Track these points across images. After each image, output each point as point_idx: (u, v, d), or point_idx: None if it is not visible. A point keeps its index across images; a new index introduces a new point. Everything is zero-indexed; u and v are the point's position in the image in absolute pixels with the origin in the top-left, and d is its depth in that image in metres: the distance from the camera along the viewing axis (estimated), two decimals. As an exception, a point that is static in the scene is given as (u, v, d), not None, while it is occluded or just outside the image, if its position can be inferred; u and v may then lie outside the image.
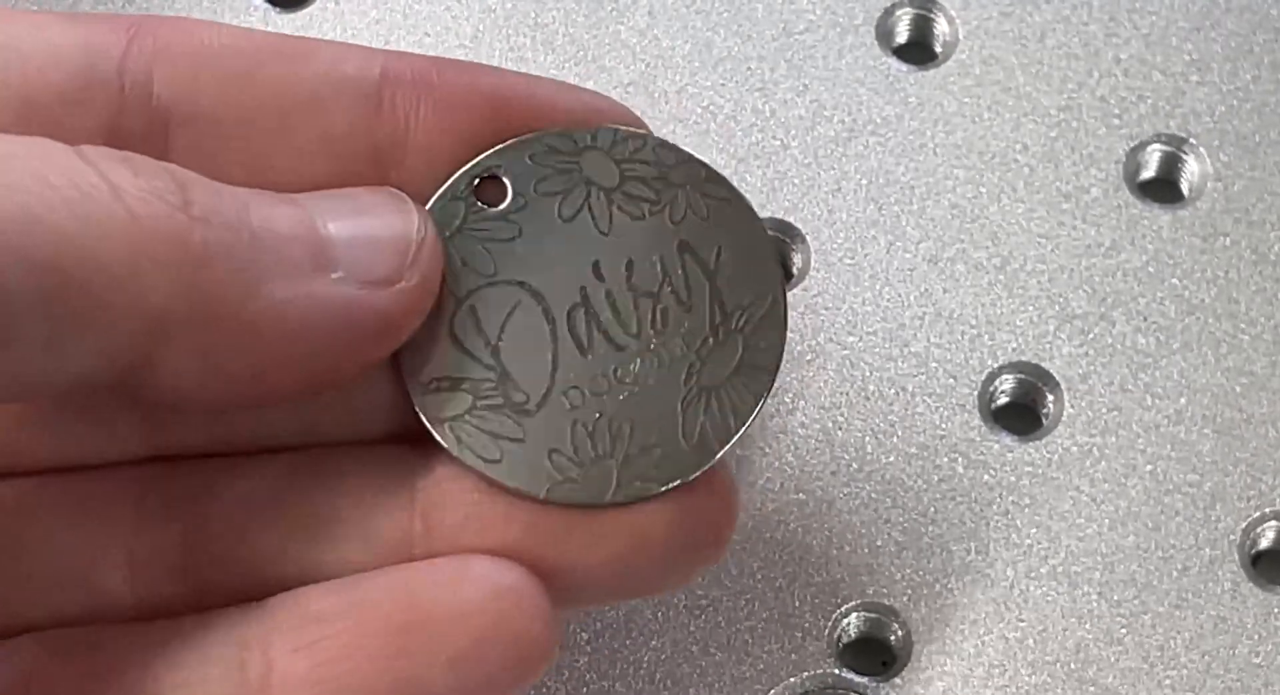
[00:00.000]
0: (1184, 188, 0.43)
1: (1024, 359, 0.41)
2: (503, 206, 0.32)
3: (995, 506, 0.39)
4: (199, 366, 0.28)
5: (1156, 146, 0.43)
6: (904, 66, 0.44)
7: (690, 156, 0.32)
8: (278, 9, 0.44)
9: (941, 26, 0.44)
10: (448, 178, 0.32)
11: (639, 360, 0.31)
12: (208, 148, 0.30)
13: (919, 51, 0.45)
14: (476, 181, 0.32)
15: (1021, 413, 0.41)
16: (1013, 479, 0.40)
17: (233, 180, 0.30)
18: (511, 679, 0.30)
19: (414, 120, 0.31)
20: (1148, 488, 0.39)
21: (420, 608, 0.29)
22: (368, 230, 0.30)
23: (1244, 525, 0.39)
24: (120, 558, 0.31)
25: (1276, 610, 0.38)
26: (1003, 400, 0.41)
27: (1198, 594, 0.38)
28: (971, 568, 0.39)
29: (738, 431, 0.31)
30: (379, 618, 0.29)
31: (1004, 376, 0.41)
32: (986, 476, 0.40)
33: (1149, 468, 0.40)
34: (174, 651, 0.29)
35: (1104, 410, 0.40)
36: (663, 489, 0.31)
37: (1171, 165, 0.43)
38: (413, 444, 0.31)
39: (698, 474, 0.31)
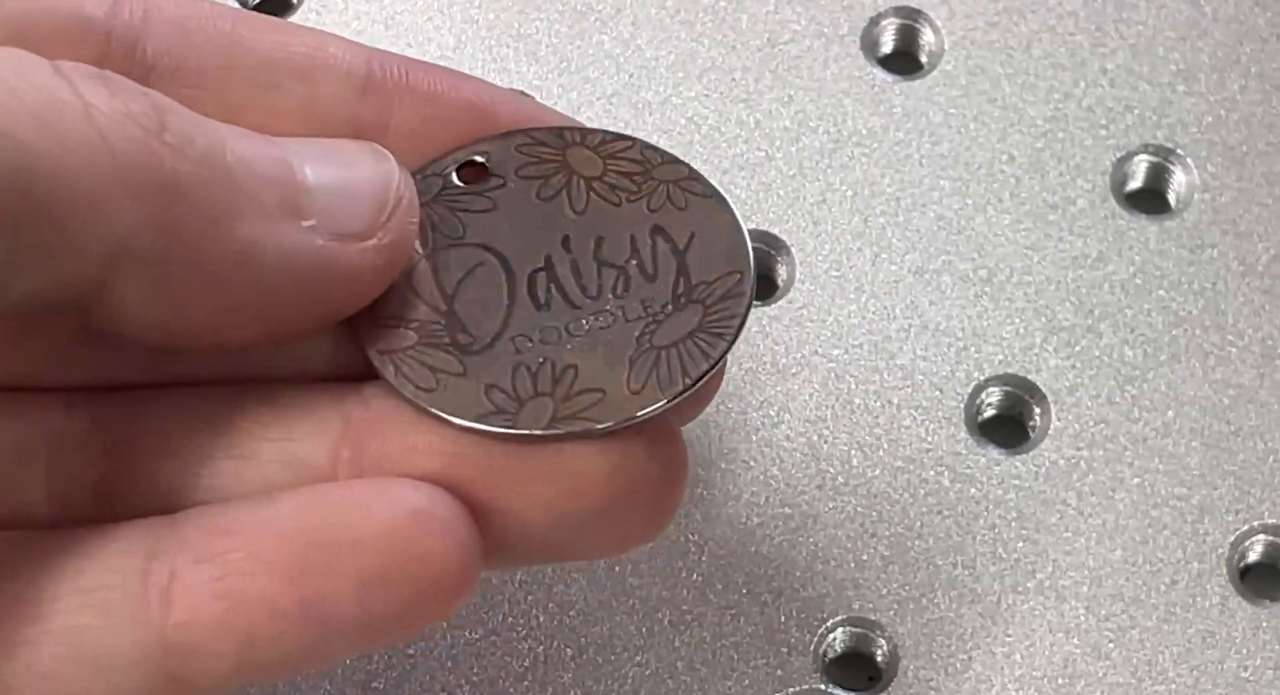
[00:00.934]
0: (1171, 199, 0.43)
1: (1010, 371, 0.40)
2: (480, 184, 0.32)
3: (982, 520, 0.39)
4: (155, 301, 0.28)
5: (1143, 157, 0.43)
6: (889, 77, 0.44)
7: (676, 158, 0.32)
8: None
9: (927, 36, 0.44)
10: (428, 160, 0.32)
11: (594, 317, 0.31)
12: (188, 99, 0.29)
13: (905, 61, 0.44)
14: (459, 166, 0.32)
15: (1008, 425, 0.41)
16: (999, 492, 0.39)
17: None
18: (424, 604, 0.28)
19: (397, 106, 0.31)
20: (1135, 501, 0.39)
21: (330, 526, 0.28)
22: (346, 181, 0.30)
23: (1232, 538, 0.39)
24: (40, 469, 0.30)
25: (1265, 624, 0.38)
26: (989, 413, 0.41)
27: (1186, 608, 0.38)
28: (958, 582, 0.38)
29: (686, 387, 0.30)
30: (287, 533, 0.28)
31: (990, 389, 0.40)
32: (973, 490, 0.39)
33: (1136, 481, 0.39)
34: (76, 558, 0.28)
35: (1091, 423, 0.40)
36: (599, 427, 0.30)
37: (1158, 176, 0.43)
38: (353, 381, 0.31)
39: (638, 416, 0.30)
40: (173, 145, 0.27)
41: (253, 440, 0.30)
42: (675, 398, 0.30)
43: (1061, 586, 0.38)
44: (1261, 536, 0.39)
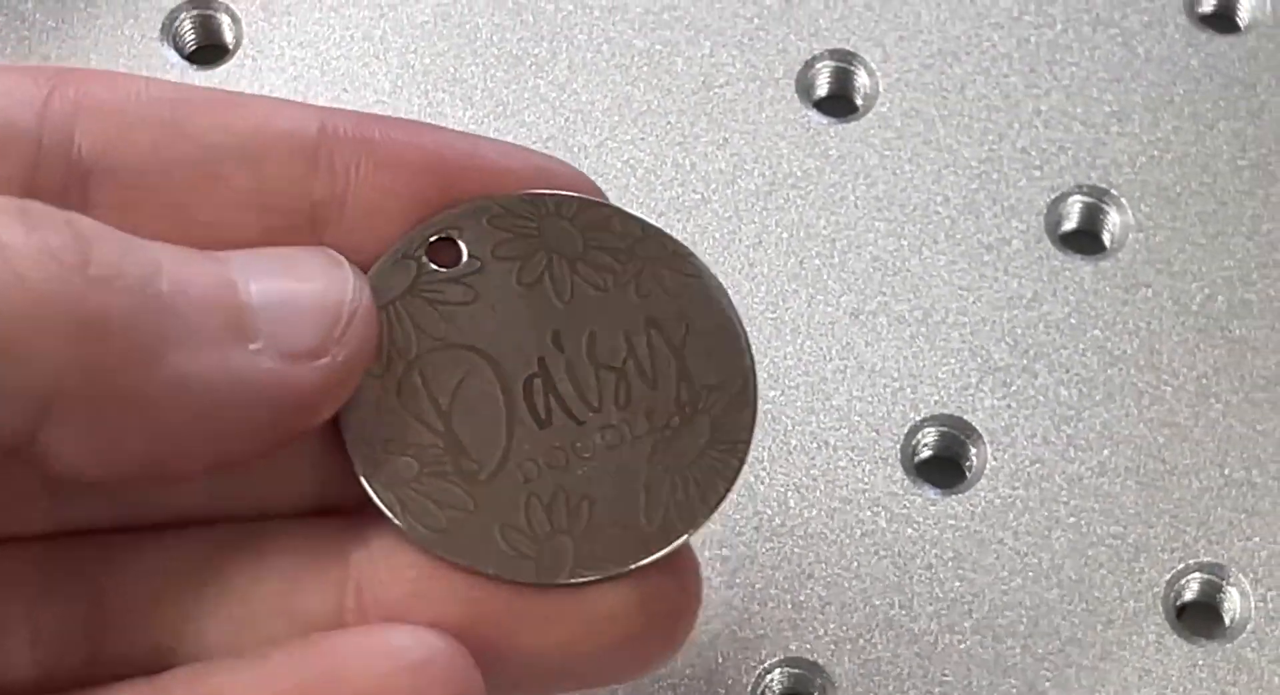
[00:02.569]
0: (1105, 239, 0.43)
1: (946, 411, 0.40)
2: (457, 269, 0.30)
3: (919, 560, 0.39)
4: (91, 443, 0.26)
5: (1077, 198, 0.43)
6: (824, 119, 0.44)
7: (658, 231, 0.31)
8: (194, 66, 0.44)
9: (862, 79, 0.44)
10: (390, 239, 0.30)
11: (600, 435, 0.29)
12: (130, 201, 0.28)
13: (839, 104, 0.44)
14: (431, 241, 0.30)
15: (944, 466, 0.41)
16: (936, 532, 0.39)
17: (155, 236, 0.28)
18: None
19: (354, 177, 0.29)
20: (1071, 540, 0.39)
21: (327, 684, 0.27)
22: (294, 295, 0.28)
23: (1168, 577, 0.39)
24: (24, 632, 0.28)
25: (1201, 662, 0.38)
26: (925, 453, 0.41)
27: (1122, 646, 0.38)
28: (895, 622, 0.38)
29: (703, 516, 0.29)
30: None
31: (926, 429, 0.40)
32: (910, 530, 0.39)
33: (1072, 520, 0.39)
34: None
35: (1027, 462, 0.40)
36: (621, 571, 0.29)
37: (1093, 216, 0.43)
38: (347, 516, 0.29)
39: (659, 557, 0.29)
40: (98, 278, 0.26)
41: (248, 593, 0.29)
42: (693, 529, 0.29)
43: (998, 625, 0.38)
44: (1197, 575, 0.39)
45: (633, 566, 0.29)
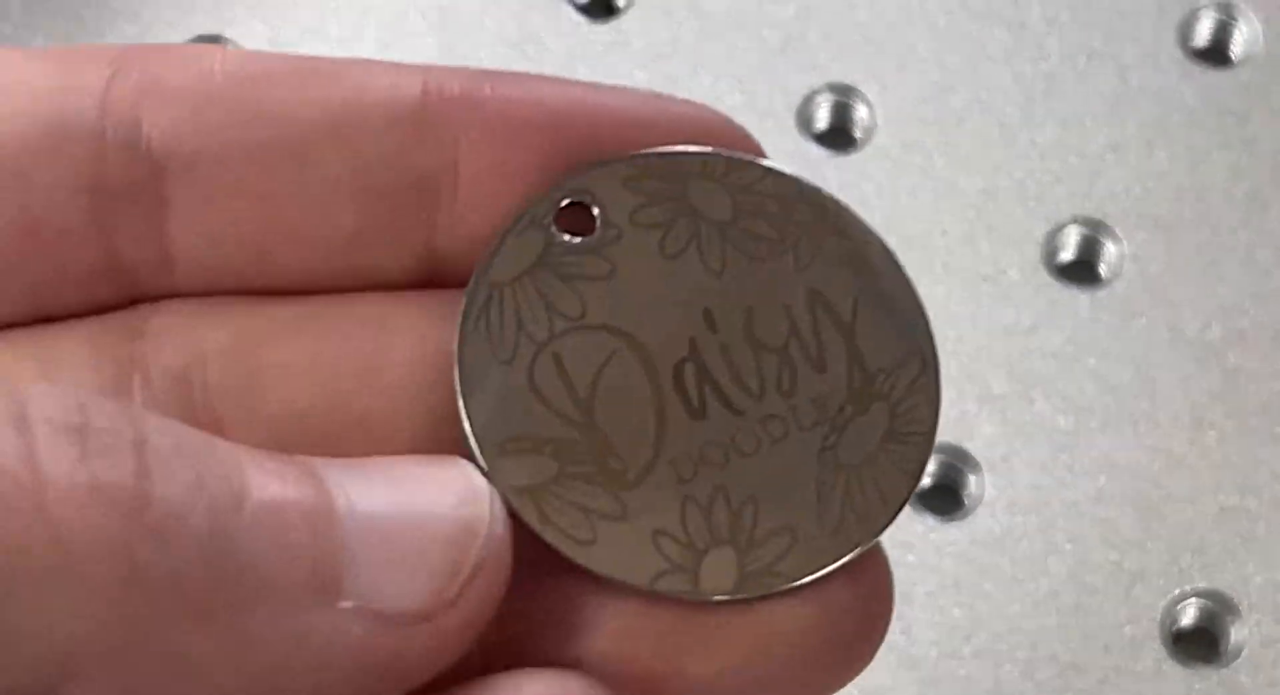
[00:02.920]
0: (1102, 269, 0.43)
1: (945, 440, 0.41)
2: (592, 238, 0.26)
3: (918, 587, 0.39)
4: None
5: (1074, 228, 0.43)
6: (824, 152, 0.44)
7: (816, 189, 0.26)
8: None
9: (860, 112, 0.45)
10: (516, 210, 0.26)
11: (762, 427, 0.25)
12: (211, 196, 0.25)
13: (839, 137, 0.45)
14: (560, 207, 0.26)
15: (943, 493, 0.41)
16: (935, 559, 0.40)
17: (245, 232, 0.25)
18: None
19: (465, 144, 0.25)
20: (1069, 567, 0.40)
21: None
22: (406, 535, 0.22)
23: (1165, 603, 0.39)
24: None
25: (1198, 687, 0.39)
26: (925, 482, 0.41)
27: (1120, 672, 0.39)
28: (896, 647, 0.39)
29: (884, 519, 0.25)
30: None
31: (925, 458, 0.41)
32: (910, 557, 0.40)
33: (1070, 547, 0.40)
34: None
35: (1024, 490, 0.40)
36: (797, 584, 0.25)
37: (1089, 247, 0.43)
38: None
39: (839, 564, 0.25)
40: (158, 528, 0.20)
41: None
42: (876, 534, 0.25)
43: (998, 651, 0.39)
44: (1194, 601, 0.40)
45: (808, 579, 0.25)
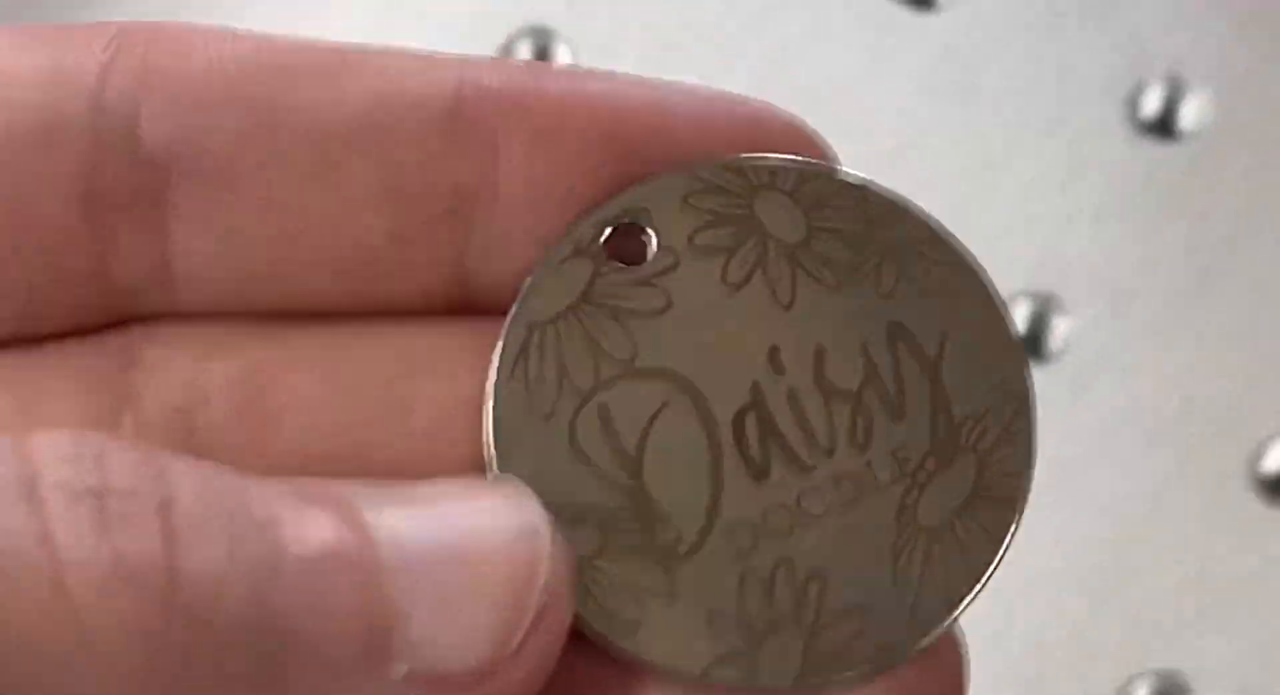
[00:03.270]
0: (1052, 343, 0.43)
1: (897, 517, 0.40)
2: (646, 266, 0.23)
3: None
4: None
5: (1024, 301, 0.43)
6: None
7: (903, 204, 0.23)
8: None
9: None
10: (563, 226, 0.22)
11: (833, 486, 0.22)
12: (219, 204, 0.22)
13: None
14: (609, 231, 0.23)
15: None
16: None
17: (257, 247, 0.22)
18: None
19: (506, 151, 0.22)
20: (1024, 648, 0.39)
21: None
22: (462, 586, 0.20)
23: (1120, 682, 0.39)
24: None
25: (1155, 768, 0.38)
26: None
27: (1077, 753, 0.38)
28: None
29: (971, 593, 0.22)
30: None
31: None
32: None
33: (1023, 626, 0.39)
34: None
35: (978, 568, 0.40)
36: (871, 669, 0.22)
37: (1039, 321, 0.43)
38: None
39: (918, 649, 0.22)
40: (190, 609, 0.18)
41: None
42: (958, 611, 0.22)
43: (952, 733, 0.38)
44: (1149, 680, 0.39)
45: (879, 668, 0.22)
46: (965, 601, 0.22)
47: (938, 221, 0.23)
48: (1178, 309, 0.43)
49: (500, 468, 0.22)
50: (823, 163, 0.23)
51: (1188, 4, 0.45)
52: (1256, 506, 0.41)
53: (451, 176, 0.22)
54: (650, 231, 0.22)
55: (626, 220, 0.22)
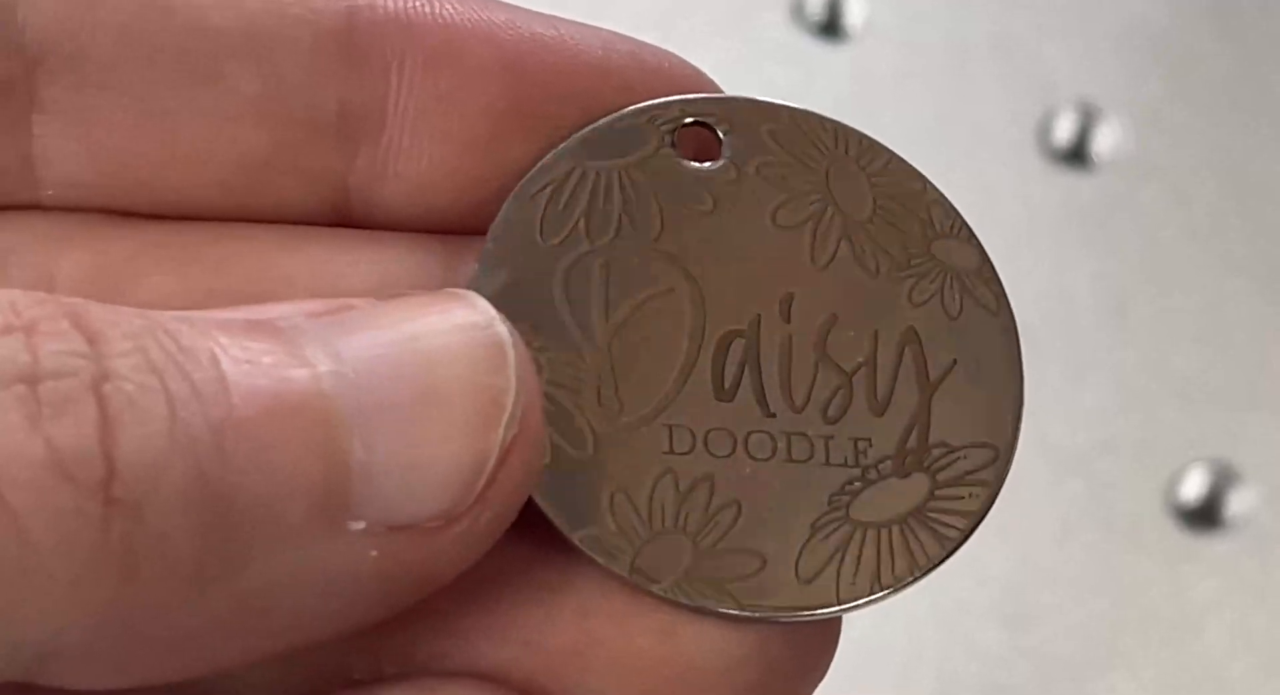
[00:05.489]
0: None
1: (807, 552, 0.40)
2: (707, 167, 0.22)
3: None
4: (112, 679, 0.19)
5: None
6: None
7: (968, 230, 0.23)
8: None
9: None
10: (449, 165, 0.22)
11: (785, 440, 0.22)
12: (92, 105, 0.21)
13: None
14: (686, 123, 0.22)
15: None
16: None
17: (131, 150, 0.21)
18: None
19: (398, 74, 0.21)
20: (933, 682, 0.39)
21: None
22: (419, 424, 0.19)
23: (1032, 718, 0.39)
24: None
25: (1067, 804, 0.38)
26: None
27: (988, 790, 0.38)
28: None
29: (867, 598, 0.22)
30: None
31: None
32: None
33: (934, 659, 0.39)
34: None
35: (888, 604, 0.40)
36: (743, 613, 0.21)
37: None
38: None
39: (797, 617, 0.21)
40: (128, 500, 0.17)
41: None
42: (852, 608, 0.22)
43: (862, 771, 0.38)
44: (1062, 715, 0.39)
45: (752, 614, 0.21)
46: (859, 602, 0.22)
47: (993, 265, 0.23)
48: (1090, 342, 0.43)
49: (482, 269, 0.21)
50: (922, 174, 0.23)
51: (1099, 33, 0.45)
52: (1173, 536, 0.41)
53: (339, 95, 0.21)
54: (724, 141, 0.22)
55: (706, 121, 0.22)
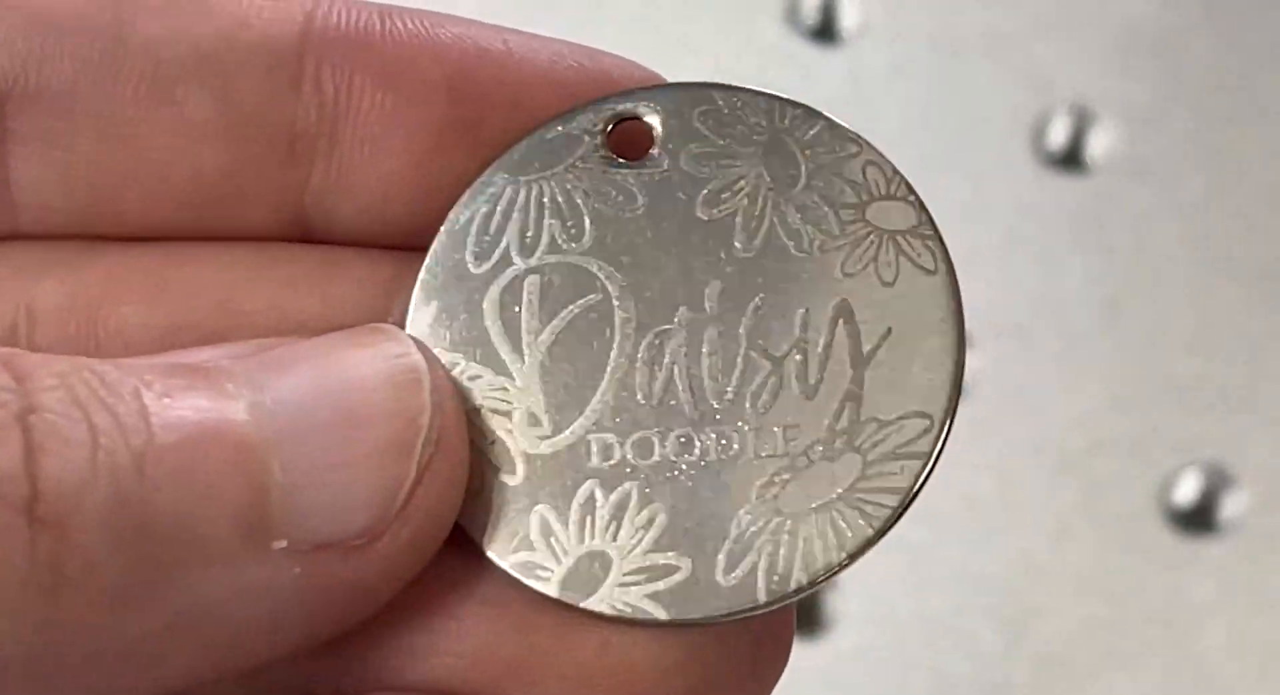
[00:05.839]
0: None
1: (803, 554, 0.40)
2: (636, 164, 0.22)
3: (777, 707, 0.39)
4: (48, 692, 0.19)
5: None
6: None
7: (912, 193, 0.22)
8: None
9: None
10: (399, 180, 0.22)
11: (713, 437, 0.21)
12: (57, 133, 0.22)
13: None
14: (615, 121, 0.22)
15: (803, 611, 0.40)
16: (791, 677, 0.39)
17: (96, 175, 0.22)
18: None
19: (349, 93, 0.22)
20: (929, 682, 0.39)
21: None
22: (335, 444, 0.19)
23: (1028, 719, 0.39)
24: None
25: (1063, 805, 0.38)
26: (783, 597, 0.41)
27: (984, 791, 0.38)
28: (754, 771, 0.38)
29: (798, 590, 0.21)
30: None
31: (783, 573, 0.40)
32: (767, 676, 0.39)
33: (930, 661, 0.39)
34: None
35: (884, 605, 0.40)
36: (664, 618, 0.21)
37: (946, 356, 0.43)
38: None
39: (722, 620, 0.21)
40: (52, 520, 0.18)
41: None
42: (780, 602, 0.21)
43: (858, 773, 0.38)
44: (1057, 716, 0.39)
45: (678, 619, 0.21)
46: (792, 593, 0.21)
47: (937, 227, 0.22)
48: (1083, 344, 0.43)
49: (416, 302, 0.22)
50: (852, 130, 0.22)
51: (1093, 36, 0.45)
52: (1167, 539, 0.41)
53: (291, 115, 0.22)
54: (657, 131, 0.22)
55: (636, 116, 0.22)
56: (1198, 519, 0.41)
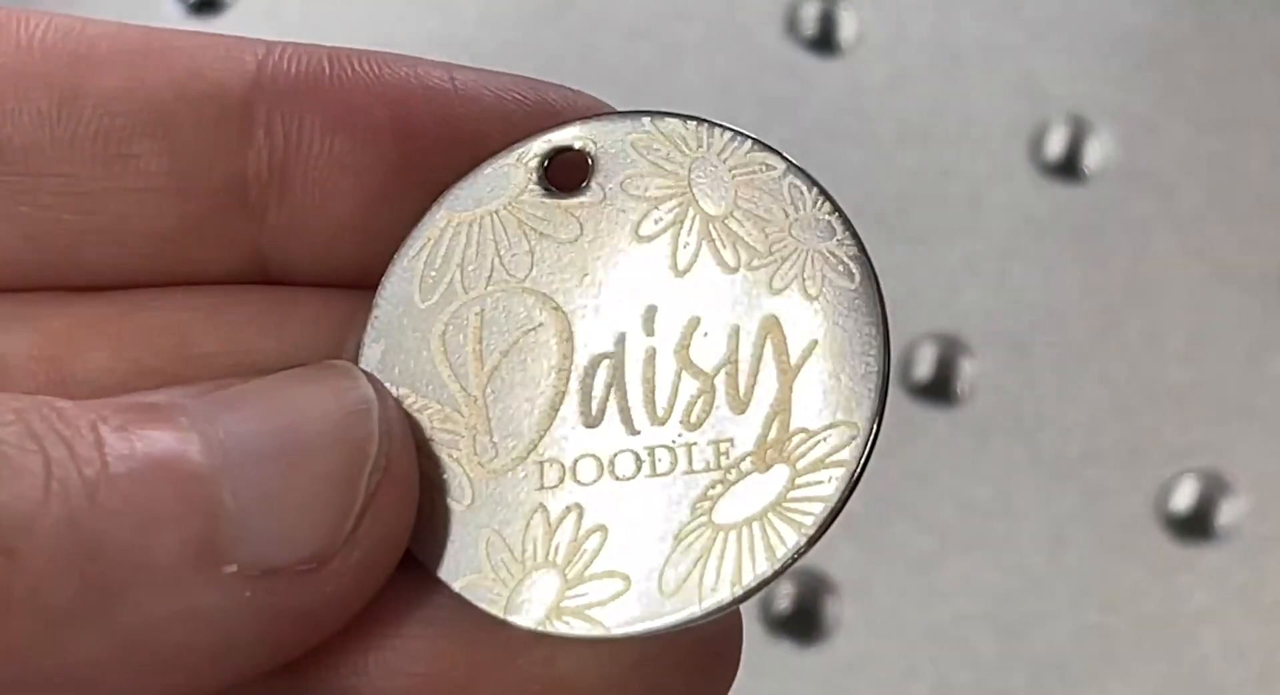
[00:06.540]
0: (958, 388, 0.43)
1: (802, 563, 0.40)
2: (573, 195, 0.23)
3: (778, 715, 0.39)
4: None
5: (929, 346, 0.43)
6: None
7: (838, 211, 0.23)
8: (195, 15, 0.43)
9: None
10: (349, 223, 0.23)
11: (647, 455, 0.22)
12: (20, 189, 0.22)
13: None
14: (551, 155, 0.23)
15: (801, 618, 0.41)
16: (794, 686, 0.39)
17: (55, 228, 0.22)
18: None
19: (298, 142, 0.22)
20: (930, 690, 0.39)
21: None
22: (285, 470, 0.20)
23: (1027, 726, 0.39)
24: None
25: (1062, 813, 0.38)
26: (783, 606, 0.41)
27: (983, 798, 0.38)
28: (755, 779, 0.38)
29: (730, 594, 0.22)
30: None
31: (784, 583, 0.40)
32: (767, 685, 0.39)
33: (930, 669, 0.39)
34: None
35: (884, 613, 0.40)
36: (610, 635, 0.22)
37: (945, 365, 0.43)
38: None
39: (660, 630, 0.22)
40: (3, 548, 0.18)
41: None
42: (717, 612, 0.22)
43: (859, 780, 0.38)
44: (1056, 723, 0.39)
45: (621, 634, 0.22)
46: (726, 602, 0.22)
47: (859, 239, 0.23)
48: (1081, 352, 0.43)
49: (366, 340, 0.22)
50: (784, 154, 0.23)
51: (1090, 46, 0.45)
52: (1165, 546, 0.41)
53: (243, 163, 0.22)
54: (592, 160, 0.23)
55: (571, 147, 0.23)
56: (1195, 526, 0.42)
